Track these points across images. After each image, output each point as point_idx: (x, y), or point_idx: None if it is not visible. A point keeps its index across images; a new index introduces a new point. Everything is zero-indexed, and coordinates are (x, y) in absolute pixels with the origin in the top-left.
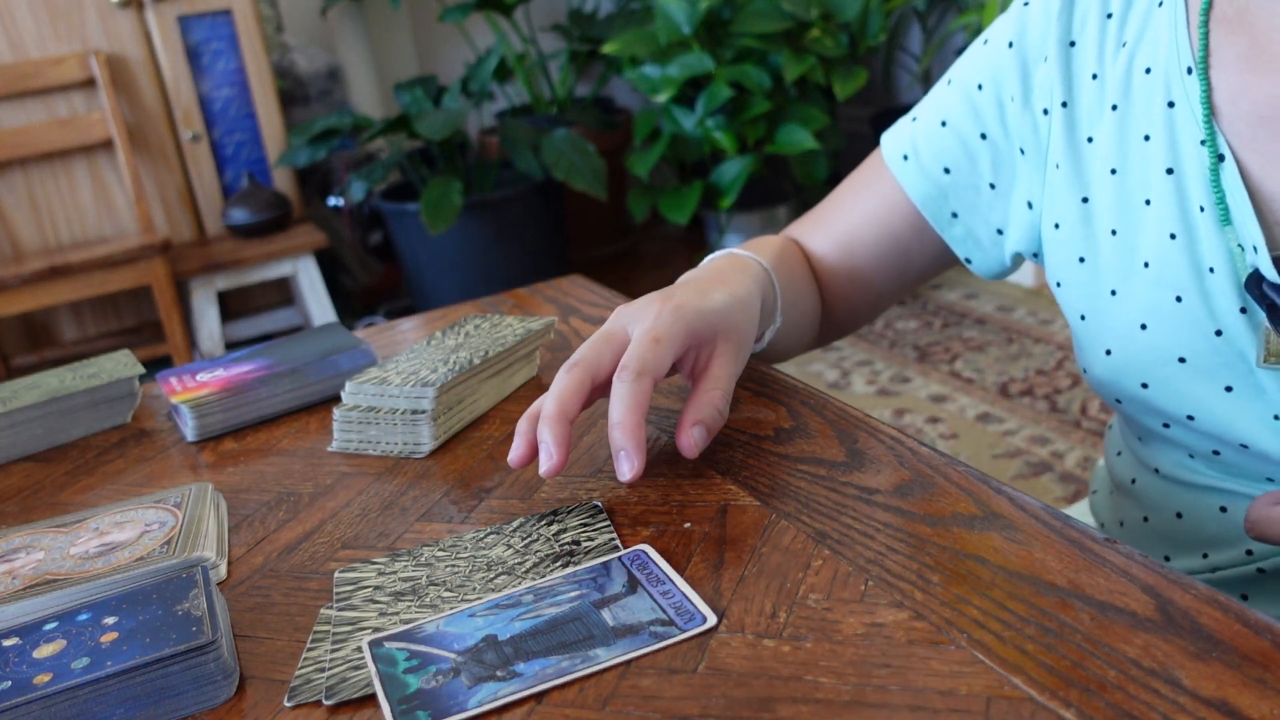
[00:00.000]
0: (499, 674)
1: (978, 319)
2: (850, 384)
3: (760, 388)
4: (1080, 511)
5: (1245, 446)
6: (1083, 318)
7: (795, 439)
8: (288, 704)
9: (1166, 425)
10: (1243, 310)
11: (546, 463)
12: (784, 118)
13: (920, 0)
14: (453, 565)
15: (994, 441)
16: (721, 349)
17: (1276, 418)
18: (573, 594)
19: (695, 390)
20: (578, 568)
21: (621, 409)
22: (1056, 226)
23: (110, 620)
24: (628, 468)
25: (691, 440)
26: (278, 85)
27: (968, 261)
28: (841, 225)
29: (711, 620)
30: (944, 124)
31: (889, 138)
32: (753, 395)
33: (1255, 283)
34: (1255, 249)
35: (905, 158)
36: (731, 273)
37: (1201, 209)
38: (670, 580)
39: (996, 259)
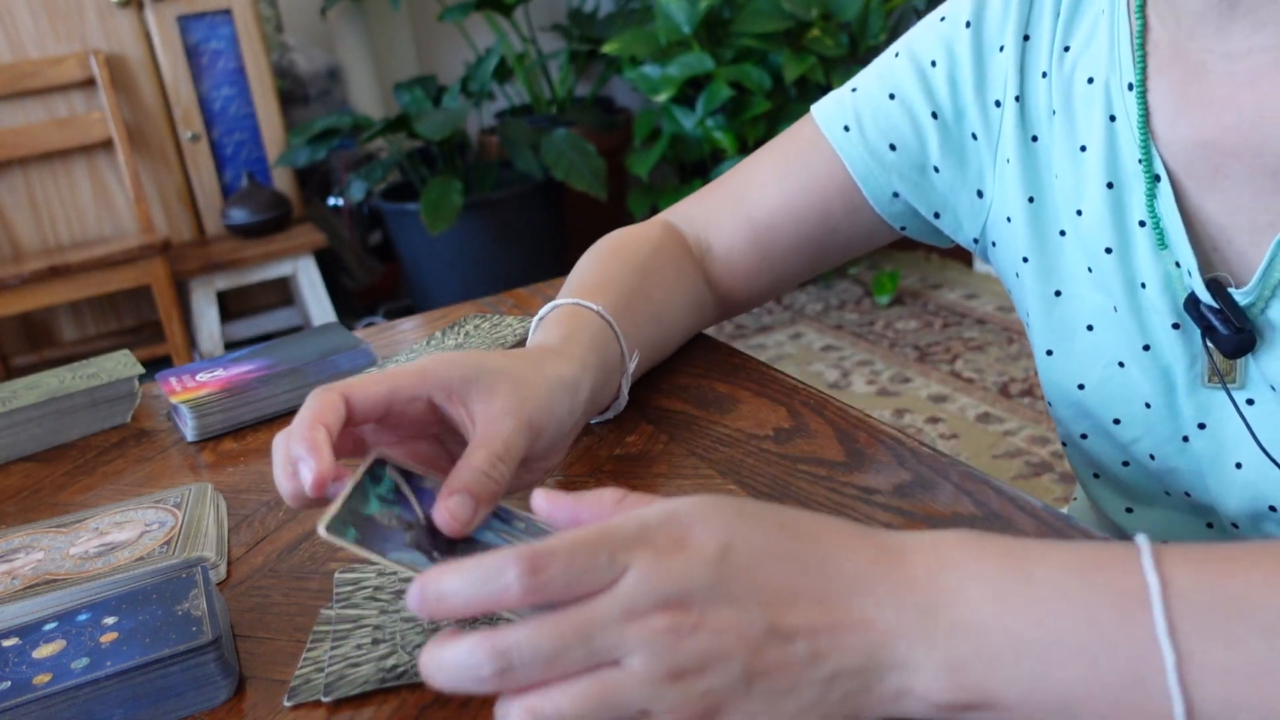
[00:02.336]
0: (434, 555)
1: (978, 319)
2: (850, 384)
3: (760, 388)
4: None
5: (1153, 457)
6: (1028, 314)
7: (795, 439)
8: (287, 704)
9: (1084, 436)
10: (1175, 326)
11: (307, 473)
12: (784, 118)
13: (920, 0)
14: None
15: (994, 441)
16: (498, 406)
17: (1185, 439)
18: None
19: (466, 452)
20: None
21: (298, 420)
22: (1009, 220)
23: (110, 620)
24: (306, 470)
25: (448, 512)
26: (278, 85)
27: (903, 229)
28: (762, 203)
29: None
30: (893, 97)
31: (825, 109)
32: (753, 395)
33: (1193, 304)
34: (1190, 273)
35: (846, 129)
36: (563, 348)
37: (1141, 224)
38: None
39: (931, 233)
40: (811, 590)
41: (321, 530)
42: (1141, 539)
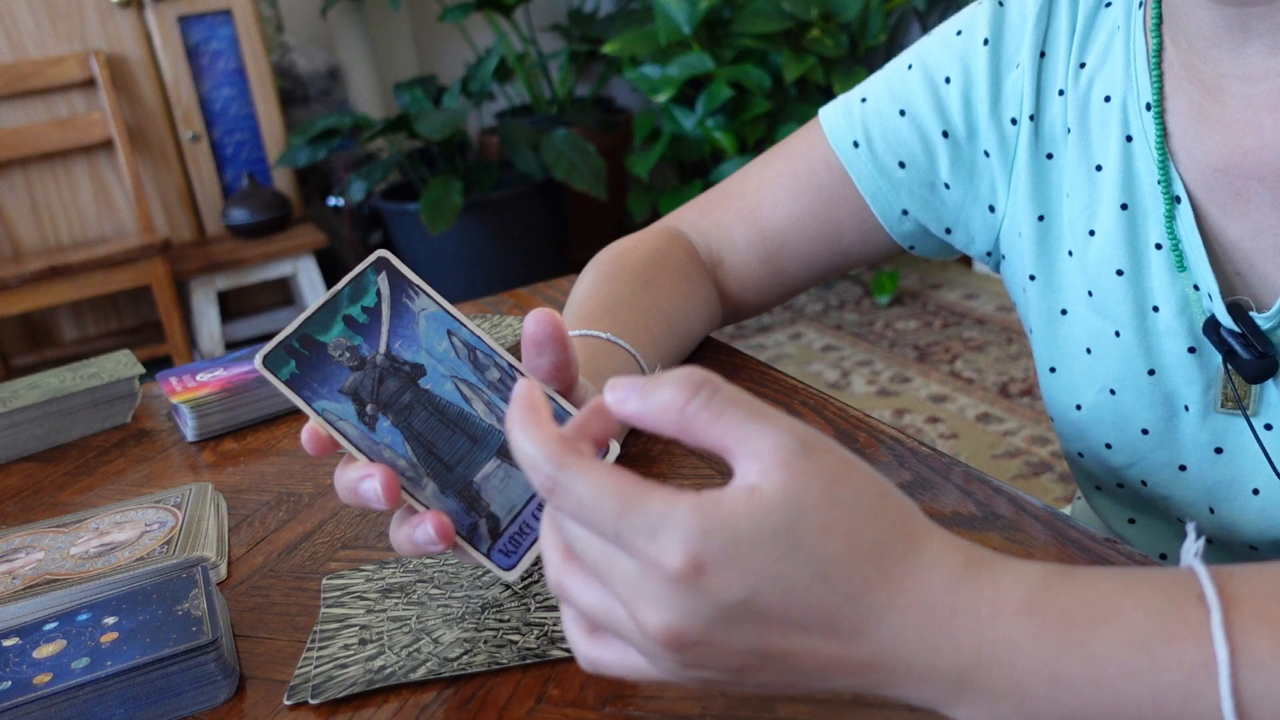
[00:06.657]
0: (368, 409)
1: (978, 319)
2: (850, 384)
3: (760, 388)
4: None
5: (1144, 483)
6: (1032, 330)
7: None
8: (287, 703)
9: (1081, 455)
10: (1191, 350)
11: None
12: (784, 118)
13: (920, 0)
14: (440, 569)
15: (994, 441)
16: None
17: (1182, 468)
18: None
19: None
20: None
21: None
22: (1020, 235)
23: (110, 620)
24: (370, 489)
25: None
26: (278, 85)
27: (911, 248)
28: (775, 221)
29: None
30: (903, 113)
31: (833, 119)
32: (753, 395)
33: (1213, 328)
34: (1210, 296)
35: (855, 145)
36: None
37: (1158, 246)
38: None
39: (941, 249)
40: (836, 646)
41: (257, 362)
42: (1211, 594)
